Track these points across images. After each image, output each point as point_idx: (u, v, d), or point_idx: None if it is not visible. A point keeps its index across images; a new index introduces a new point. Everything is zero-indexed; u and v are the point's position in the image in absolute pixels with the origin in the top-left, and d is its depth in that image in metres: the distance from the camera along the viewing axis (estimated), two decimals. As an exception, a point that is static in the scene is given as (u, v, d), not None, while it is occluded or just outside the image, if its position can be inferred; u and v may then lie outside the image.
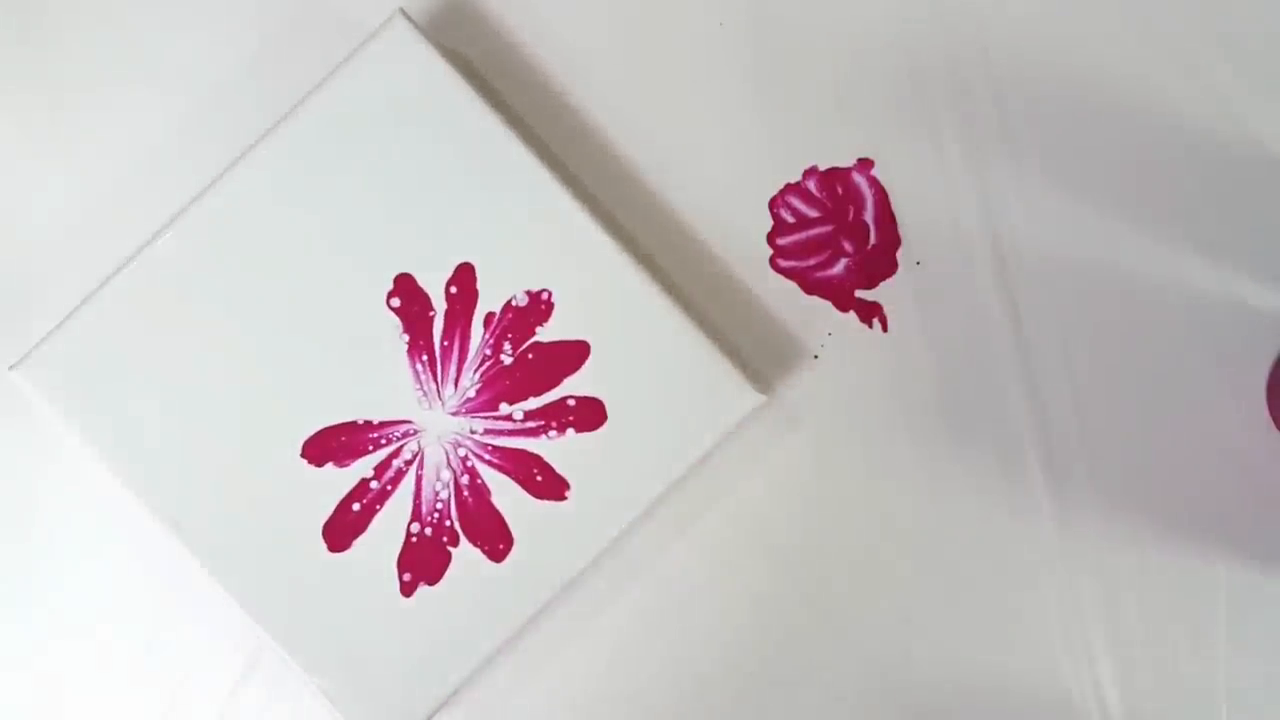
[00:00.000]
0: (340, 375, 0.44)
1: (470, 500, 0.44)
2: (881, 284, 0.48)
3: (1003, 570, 0.47)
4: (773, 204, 0.49)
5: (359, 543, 0.44)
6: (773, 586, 0.47)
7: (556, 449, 0.44)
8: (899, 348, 0.48)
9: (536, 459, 0.44)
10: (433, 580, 0.44)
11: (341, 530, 0.44)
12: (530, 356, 0.44)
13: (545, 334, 0.44)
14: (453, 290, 0.44)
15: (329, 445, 0.44)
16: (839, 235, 0.49)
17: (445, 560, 0.44)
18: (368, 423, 0.44)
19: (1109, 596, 0.47)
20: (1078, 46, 0.49)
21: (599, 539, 0.44)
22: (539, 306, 0.44)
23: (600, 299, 0.44)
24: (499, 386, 0.44)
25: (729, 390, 0.44)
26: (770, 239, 0.48)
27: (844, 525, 0.47)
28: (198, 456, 0.44)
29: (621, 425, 0.44)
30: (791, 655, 0.47)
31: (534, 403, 0.44)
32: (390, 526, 0.44)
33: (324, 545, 0.44)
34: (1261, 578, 0.47)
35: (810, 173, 0.49)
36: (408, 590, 0.44)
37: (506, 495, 0.44)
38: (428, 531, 0.44)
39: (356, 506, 0.44)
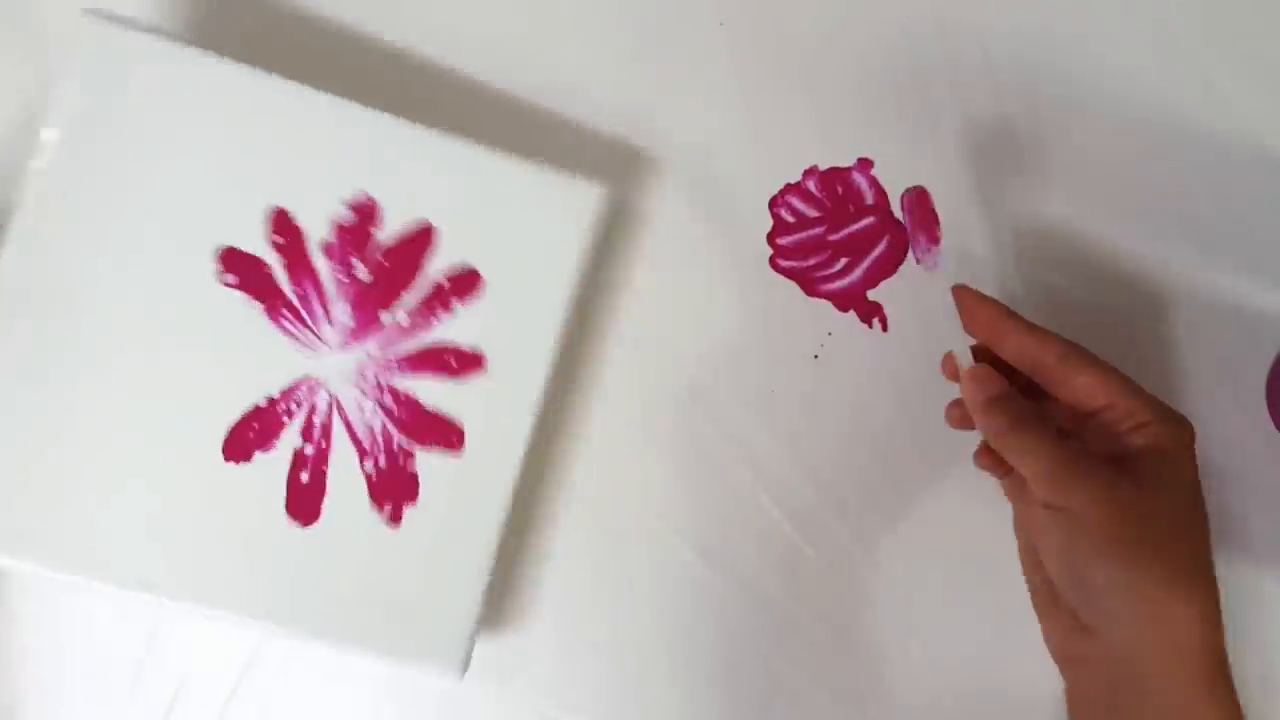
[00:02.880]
0: (217, 371, 0.43)
1: (403, 414, 0.44)
2: (882, 284, 0.48)
3: (1003, 569, 0.47)
4: (773, 204, 0.49)
5: (326, 505, 0.43)
6: (772, 586, 0.47)
7: (454, 328, 0.44)
8: (899, 348, 0.48)
9: (441, 347, 0.44)
10: (412, 497, 0.44)
11: (305, 503, 0.43)
12: (382, 261, 0.44)
13: (384, 234, 0.44)
14: (277, 240, 0.44)
15: (245, 438, 0.43)
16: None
17: (412, 477, 0.44)
18: (270, 399, 0.43)
19: (1109, 596, 0.47)
20: (1077, 47, 0.49)
21: (536, 380, 0.44)
22: (364, 212, 0.44)
23: (417, 177, 0.44)
24: (370, 302, 0.44)
25: (573, 196, 0.44)
26: (770, 239, 0.49)
27: (843, 525, 0.47)
28: (126, 508, 0.43)
29: (497, 277, 0.44)
30: (792, 655, 0.47)
31: (410, 299, 0.44)
32: (346, 476, 0.44)
33: (297, 524, 0.43)
34: (1262, 578, 0.47)
35: (810, 173, 0.49)
36: (395, 518, 0.44)
37: (433, 392, 0.44)
38: (382, 462, 0.44)
39: (305, 476, 0.43)
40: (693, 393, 0.48)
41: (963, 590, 0.47)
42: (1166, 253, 0.48)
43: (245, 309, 0.43)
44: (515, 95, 0.48)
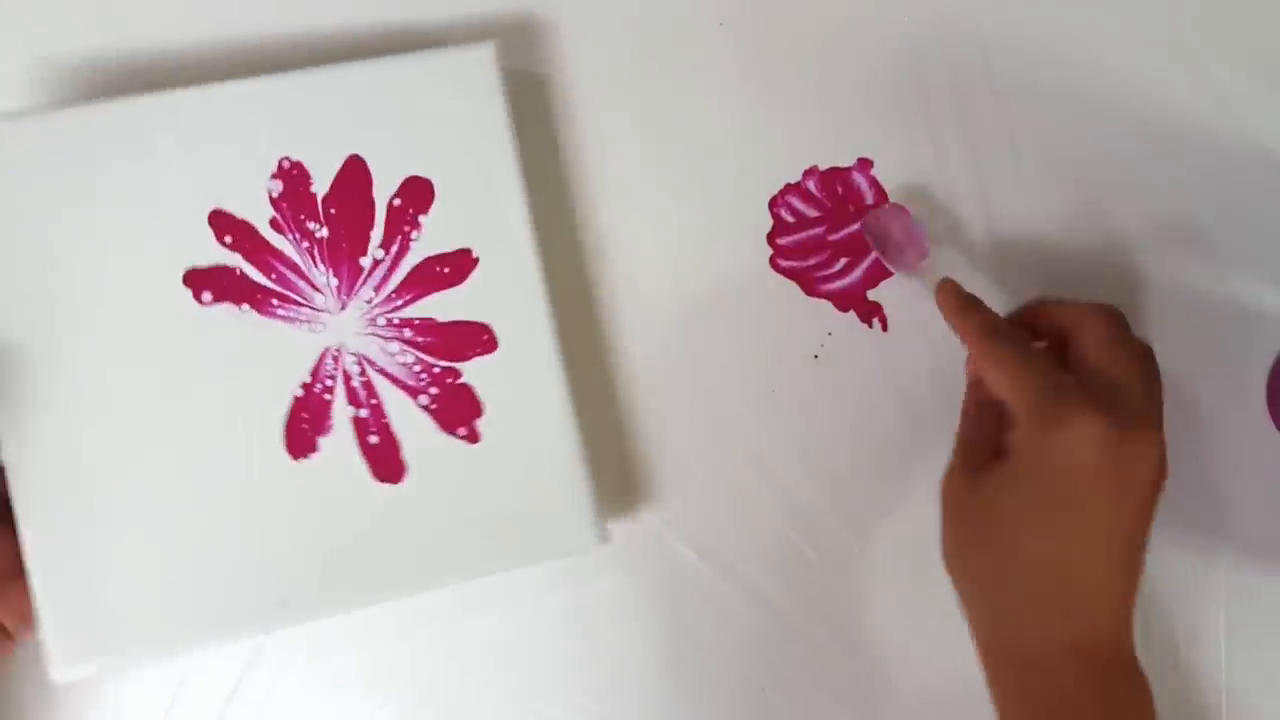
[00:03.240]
0: (242, 386, 0.43)
1: (429, 339, 0.44)
2: (881, 284, 0.48)
3: (1003, 570, 0.47)
4: (773, 204, 0.49)
5: (406, 455, 0.43)
6: (773, 586, 0.47)
7: (430, 240, 0.44)
8: (899, 348, 0.48)
9: (427, 263, 0.44)
10: (478, 410, 0.44)
11: (387, 463, 0.43)
12: (333, 211, 0.44)
13: (321, 186, 0.44)
14: (228, 240, 0.43)
15: (302, 431, 0.43)
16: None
17: (468, 391, 0.44)
18: (304, 386, 0.43)
19: (1109, 596, 0.47)
20: (1077, 47, 0.49)
21: (526, 242, 0.44)
22: (293, 174, 0.44)
23: (322, 121, 0.44)
24: (342, 254, 0.44)
25: (469, 64, 0.44)
26: (770, 239, 0.49)
27: (843, 525, 0.47)
28: (230, 557, 0.42)
29: (443, 173, 0.44)
30: (792, 655, 0.47)
31: (377, 234, 0.44)
32: (410, 420, 0.43)
33: (389, 488, 0.43)
34: (1261, 578, 0.47)
35: (810, 173, 0.49)
36: (473, 436, 0.43)
37: (445, 306, 0.44)
38: (433, 390, 0.44)
39: (374, 439, 0.43)
40: (693, 393, 0.47)
41: (963, 590, 0.47)
42: (1167, 253, 0.48)
43: (236, 317, 0.43)
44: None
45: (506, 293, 0.44)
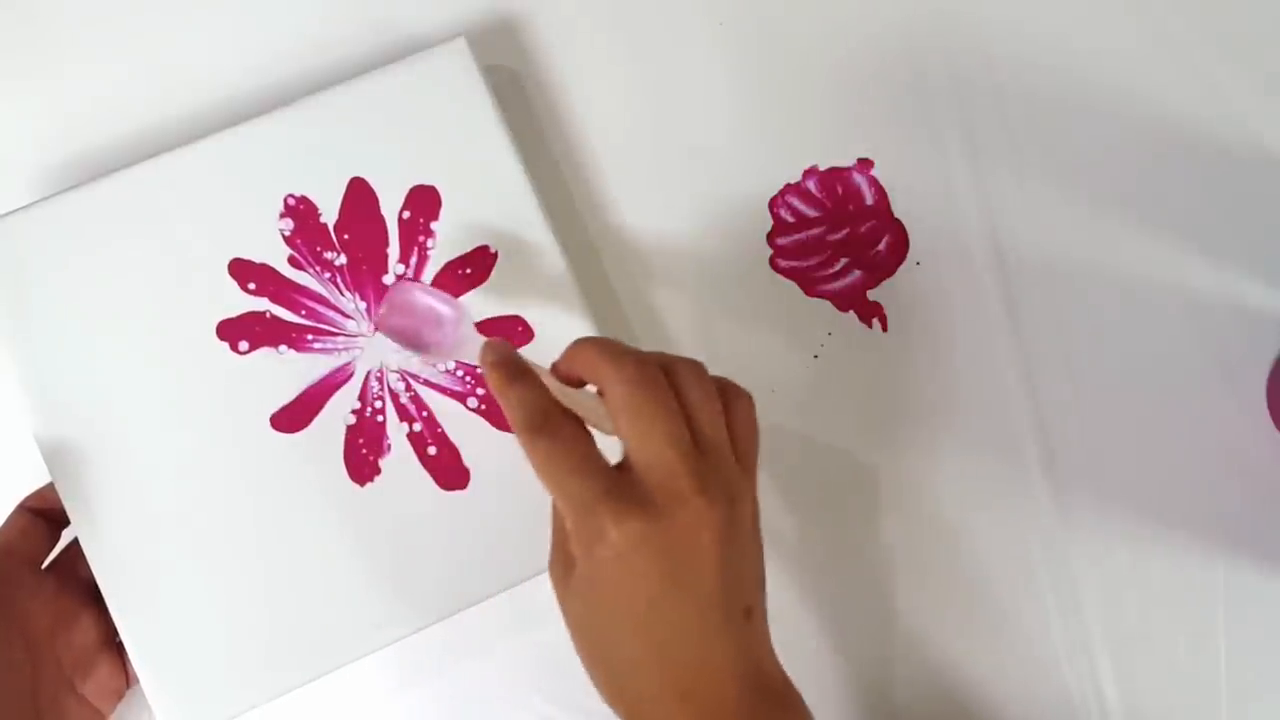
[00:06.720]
0: (314, 443, 0.43)
1: None
2: (882, 284, 0.48)
3: (1003, 570, 0.47)
4: (773, 204, 0.49)
5: (467, 459, 0.44)
6: (771, 586, 0.47)
7: (447, 244, 0.44)
8: (899, 348, 0.48)
9: (448, 268, 0.44)
10: None
11: (450, 471, 0.44)
12: (347, 237, 0.44)
13: (328, 215, 0.44)
14: (251, 286, 0.44)
15: (362, 458, 0.43)
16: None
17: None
18: (354, 412, 0.44)
19: (1109, 596, 0.47)
20: (1077, 46, 0.49)
21: (543, 227, 0.44)
22: (300, 209, 0.44)
23: (315, 150, 0.44)
24: (365, 276, 0.44)
25: (445, 63, 0.44)
26: (770, 239, 0.49)
27: (843, 526, 0.47)
28: (327, 590, 0.43)
29: (446, 176, 0.44)
30: (790, 655, 0.47)
31: (394, 250, 0.44)
32: (463, 425, 0.44)
33: (456, 494, 0.44)
34: (1261, 578, 0.47)
35: (810, 173, 0.49)
36: None
37: (475, 309, 0.44)
38: (480, 391, 0.44)
39: (432, 450, 0.44)
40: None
41: (963, 589, 0.47)
42: (1167, 253, 0.48)
43: (276, 359, 0.44)
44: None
45: (532, 280, 0.44)
